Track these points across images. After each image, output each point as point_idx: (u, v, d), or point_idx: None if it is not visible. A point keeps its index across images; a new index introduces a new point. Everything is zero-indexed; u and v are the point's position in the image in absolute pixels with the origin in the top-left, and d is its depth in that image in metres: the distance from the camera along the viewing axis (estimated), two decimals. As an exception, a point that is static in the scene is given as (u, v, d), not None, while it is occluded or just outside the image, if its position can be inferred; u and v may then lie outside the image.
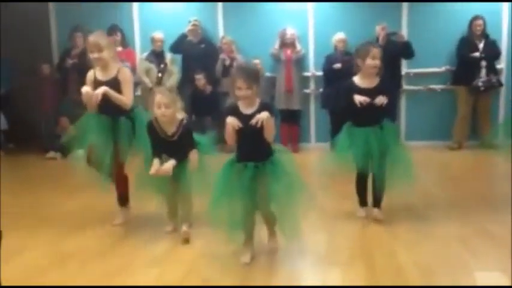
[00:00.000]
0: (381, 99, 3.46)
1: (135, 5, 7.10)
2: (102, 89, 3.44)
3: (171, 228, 3.58)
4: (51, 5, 7.20)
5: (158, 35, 6.61)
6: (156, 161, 3.26)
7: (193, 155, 3.33)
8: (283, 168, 2.94)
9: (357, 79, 3.60)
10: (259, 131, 2.84)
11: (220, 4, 6.98)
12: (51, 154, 6.51)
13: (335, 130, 6.55)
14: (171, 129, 3.33)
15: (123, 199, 3.83)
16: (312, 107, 6.90)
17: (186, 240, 3.31)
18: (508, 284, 2.60)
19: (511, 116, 4.54)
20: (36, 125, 7.01)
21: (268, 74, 6.63)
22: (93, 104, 3.48)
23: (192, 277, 2.81)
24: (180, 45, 6.62)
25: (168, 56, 6.65)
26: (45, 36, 7.22)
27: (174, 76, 6.56)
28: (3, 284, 2.49)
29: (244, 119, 2.87)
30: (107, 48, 3.53)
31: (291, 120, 6.70)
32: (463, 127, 6.47)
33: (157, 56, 6.52)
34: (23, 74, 7.02)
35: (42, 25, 7.18)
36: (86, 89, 3.48)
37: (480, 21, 6.26)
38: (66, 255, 3.13)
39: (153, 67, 6.48)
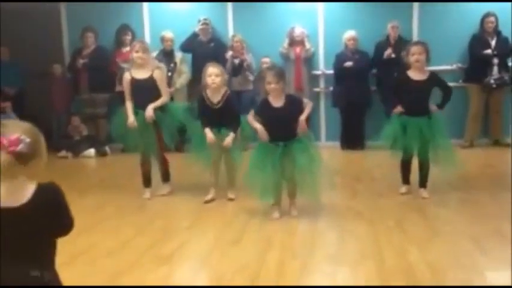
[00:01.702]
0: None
1: (145, 4, 7.13)
2: (150, 110, 4.21)
3: (210, 197, 4.21)
4: (62, 5, 7.25)
5: (168, 34, 6.63)
6: (207, 130, 4.05)
7: (228, 140, 4.01)
8: (305, 146, 3.65)
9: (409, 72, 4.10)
10: (287, 120, 3.61)
11: (230, 3, 6.98)
12: (63, 153, 6.57)
13: (345, 128, 6.59)
14: (216, 98, 4.07)
15: (166, 175, 4.55)
16: (322, 105, 6.88)
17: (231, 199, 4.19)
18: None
19: None
20: (48, 125, 7.06)
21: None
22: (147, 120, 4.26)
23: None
24: (190, 44, 6.64)
25: (178, 55, 6.68)
26: (56, 36, 7.27)
27: (184, 75, 6.58)
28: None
29: (274, 110, 3.64)
30: (148, 51, 4.35)
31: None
32: (475, 125, 6.41)
33: (167, 55, 6.55)
34: (34, 74, 7.09)
35: (54, 25, 7.23)
36: (131, 120, 4.25)
37: (492, 18, 6.19)
38: (77, 254, 3.15)
39: (163, 66, 6.50)
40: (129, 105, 4.29)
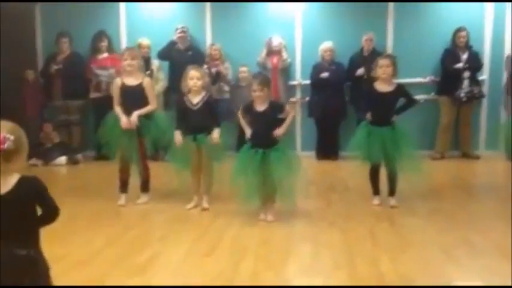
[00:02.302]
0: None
1: (122, 11, 7.10)
2: (135, 116, 4.28)
3: (192, 205, 4.29)
4: (37, 9, 7.15)
5: (145, 41, 6.62)
6: (178, 132, 4.17)
7: (215, 135, 4.14)
8: (284, 154, 3.84)
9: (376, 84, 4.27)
10: (268, 123, 3.83)
11: (208, 12, 7.00)
12: (33, 161, 6.43)
13: (321, 138, 6.66)
14: (196, 99, 4.20)
15: (146, 185, 4.56)
16: (298, 115, 6.94)
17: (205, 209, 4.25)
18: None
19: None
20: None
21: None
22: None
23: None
24: (168, 52, 6.63)
25: (155, 62, 6.66)
26: (30, 41, 7.16)
27: (160, 83, 6.56)
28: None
29: (258, 114, 3.85)
30: (138, 58, 4.41)
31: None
32: (445, 137, 6.56)
33: (143, 63, 6.49)
34: (6, 79, 6.95)
35: (28, 30, 7.12)
36: (124, 120, 4.31)
37: (464, 33, 6.37)
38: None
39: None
40: (118, 109, 4.35)
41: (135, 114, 4.29)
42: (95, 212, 4.29)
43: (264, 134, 3.85)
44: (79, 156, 6.69)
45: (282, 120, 3.95)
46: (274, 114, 3.93)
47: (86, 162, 6.65)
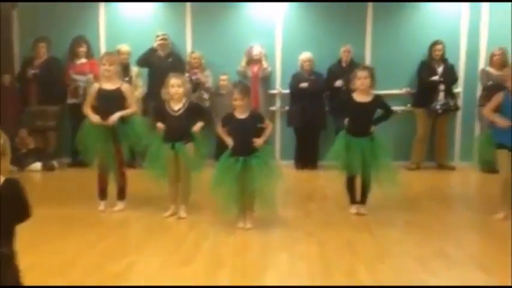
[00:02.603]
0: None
1: (102, 16, 7.04)
2: (115, 117, 4.27)
3: (170, 213, 4.26)
4: (14, 13, 7.04)
5: (124, 47, 6.57)
6: (159, 124, 4.19)
7: (197, 127, 4.22)
8: (265, 162, 3.89)
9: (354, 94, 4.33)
10: (249, 130, 3.89)
11: (188, 19, 7.00)
12: (8, 166, 6.30)
13: (300, 147, 6.69)
14: (177, 106, 4.20)
15: (122, 192, 4.50)
16: (278, 124, 6.96)
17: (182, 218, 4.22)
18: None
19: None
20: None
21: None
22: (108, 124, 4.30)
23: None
24: (148, 59, 6.60)
25: (134, 69, 6.61)
26: (7, 45, 7.02)
27: (139, 89, 6.51)
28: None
29: (239, 122, 3.91)
30: (116, 63, 4.41)
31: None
32: (421, 148, 6.66)
33: (122, 69, 6.43)
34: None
35: (5, 34, 6.99)
36: (96, 119, 4.29)
37: (439, 46, 6.50)
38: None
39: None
40: (88, 109, 4.34)
41: (117, 115, 4.27)
42: (69, 219, 4.21)
43: (244, 142, 3.89)
44: (54, 162, 6.58)
45: (262, 130, 3.99)
46: (255, 123, 3.98)
47: (61, 169, 6.55)
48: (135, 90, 6.44)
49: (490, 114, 4.27)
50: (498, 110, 4.21)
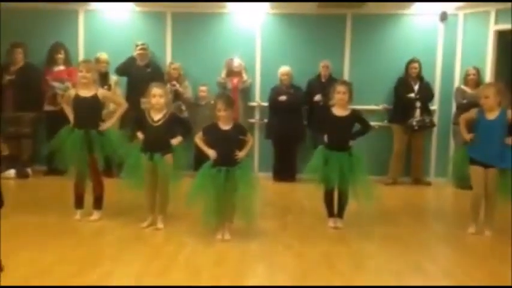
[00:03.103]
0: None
1: (81, 23, 6.98)
2: (108, 125, 4.36)
3: (147, 224, 4.21)
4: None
5: (103, 56, 6.53)
6: (139, 133, 4.21)
7: (176, 140, 4.22)
8: (246, 174, 3.93)
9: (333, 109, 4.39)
10: (231, 142, 3.92)
11: (169, 29, 7.00)
12: (-19, 173, 6.15)
13: (278, 160, 6.72)
14: (157, 116, 4.18)
15: (99, 202, 4.44)
16: (256, 136, 6.98)
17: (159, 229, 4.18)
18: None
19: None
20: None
21: (213, 101, 6.65)
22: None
23: None
24: (127, 68, 6.56)
25: (113, 77, 6.57)
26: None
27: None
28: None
29: (222, 132, 3.93)
30: (93, 70, 4.42)
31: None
32: (397, 163, 6.76)
33: (101, 77, 6.39)
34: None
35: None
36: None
37: (416, 64, 6.64)
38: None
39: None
40: (66, 109, 4.37)
41: (109, 123, 4.34)
42: (44, 228, 4.13)
43: (227, 153, 3.91)
44: (29, 170, 6.45)
45: (243, 141, 4.01)
46: (238, 134, 4.00)
47: (35, 176, 6.42)
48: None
49: (462, 123, 4.45)
50: (471, 127, 4.34)
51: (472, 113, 4.38)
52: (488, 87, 4.39)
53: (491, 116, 4.19)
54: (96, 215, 4.41)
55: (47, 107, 6.51)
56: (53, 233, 4.02)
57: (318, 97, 6.46)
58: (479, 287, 2.75)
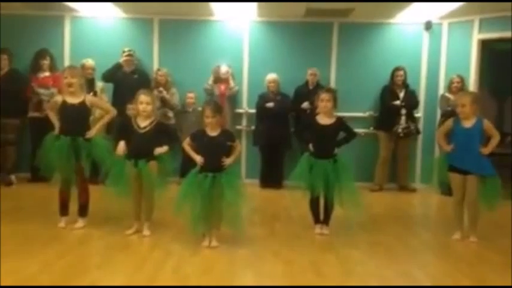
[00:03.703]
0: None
1: (67, 29, 6.94)
2: (94, 131, 4.30)
3: (132, 231, 4.19)
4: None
5: (89, 62, 6.50)
6: (121, 143, 4.15)
7: (161, 149, 4.16)
8: (233, 180, 3.91)
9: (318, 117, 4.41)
10: (219, 147, 3.92)
11: (156, 35, 6.99)
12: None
13: (265, 167, 6.73)
14: (144, 123, 4.17)
15: (84, 209, 4.39)
16: (244, 143, 6.98)
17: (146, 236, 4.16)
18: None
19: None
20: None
21: (201, 107, 6.64)
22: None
23: None
24: (113, 74, 6.53)
25: (99, 84, 6.53)
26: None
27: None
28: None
29: (210, 139, 3.94)
30: (79, 76, 4.34)
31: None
32: (383, 170, 6.81)
33: (87, 84, 6.32)
34: None
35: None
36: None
37: (401, 72, 6.72)
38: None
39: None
40: (51, 115, 4.32)
41: (95, 130, 4.30)
42: (28, 236, 4.07)
43: (214, 159, 3.91)
44: (12, 177, 6.36)
45: (231, 148, 4.01)
46: (225, 141, 4.00)
47: (19, 184, 6.33)
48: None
49: (440, 137, 4.51)
50: (449, 136, 4.41)
51: (447, 124, 4.44)
52: (464, 96, 4.45)
53: (468, 124, 4.25)
54: (81, 222, 4.36)
55: (32, 114, 6.44)
56: (38, 241, 3.96)
57: (305, 104, 6.49)
58: (479, 286, 2.76)
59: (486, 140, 4.28)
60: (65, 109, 4.25)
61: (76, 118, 4.25)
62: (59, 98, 4.37)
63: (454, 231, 4.38)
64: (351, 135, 4.47)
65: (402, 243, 4.26)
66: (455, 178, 4.32)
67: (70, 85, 4.24)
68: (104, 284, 3.11)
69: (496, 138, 4.23)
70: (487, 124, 4.25)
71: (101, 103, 4.51)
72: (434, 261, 3.94)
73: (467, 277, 3.40)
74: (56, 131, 4.27)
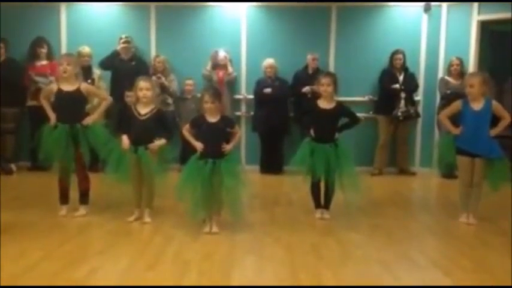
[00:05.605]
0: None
1: (63, 17, 6.89)
2: (92, 119, 4.28)
3: (134, 218, 4.19)
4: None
5: (85, 49, 6.46)
6: (124, 137, 4.09)
7: (159, 142, 4.12)
8: (233, 166, 3.90)
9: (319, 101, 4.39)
10: (219, 134, 3.90)
11: (153, 22, 6.94)
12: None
13: (265, 152, 6.73)
14: (144, 110, 4.15)
15: (85, 197, 4.39)
16: (243, 129, 6.96)
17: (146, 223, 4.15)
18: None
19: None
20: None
21: (199, 94, 6.62)
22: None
23: None
24: (110, 62, 6.49)
25: (97, 71, 6.49)
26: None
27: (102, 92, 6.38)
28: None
29: (209, 125, 3.91)
30: (73, 64, 4.28)
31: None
32: (383, 154, 6.81)
33: (84, 72, 6.30)
34: None
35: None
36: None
37: (400, 55, 6.68)
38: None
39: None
40: (45, 104, 4.28)
41: (92, 118, 4.26)
42: (29, 224, 4.08)
43: (214, 145, 3.91)
44: (12, 166, 6.36)
45: (231, 134, 4.00)
46: (225, 127, 3.99)
47: (19, 173, 6.34)
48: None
49: (445, 120, 4.42)
50: (457, 118, 4.34)
51: (455, 106, 4.34)
52: (473, 76, 4.34)
53: (477, 106, 4.18)
54: (82, 210, 4.37)
55: (30, 102, 6.42)
56: (38, 229, 3.97)
57: (306, 89, 6.46)
58: (480, 287, 2.78)
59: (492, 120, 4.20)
60: (60, 97, 4.23)
61: (72, 106, 4.23)
62: (53, 86, 4.35)
63: (460, 214, 4.36)
64: (354, 120, 4.44)
65: (402, 226, 4.27)
66: (464, 161, 4.26)
67: (65, 71, 4.22)
68: (105, 270, 3.13)
69: (506, 120, 4.16)
70: (496, 105, 4.18)
71: (97, 91, 4.48)
72: (434, 243, 3.96)
73: (467, 258, 3.41)
74: (52, 122, 4.23)
